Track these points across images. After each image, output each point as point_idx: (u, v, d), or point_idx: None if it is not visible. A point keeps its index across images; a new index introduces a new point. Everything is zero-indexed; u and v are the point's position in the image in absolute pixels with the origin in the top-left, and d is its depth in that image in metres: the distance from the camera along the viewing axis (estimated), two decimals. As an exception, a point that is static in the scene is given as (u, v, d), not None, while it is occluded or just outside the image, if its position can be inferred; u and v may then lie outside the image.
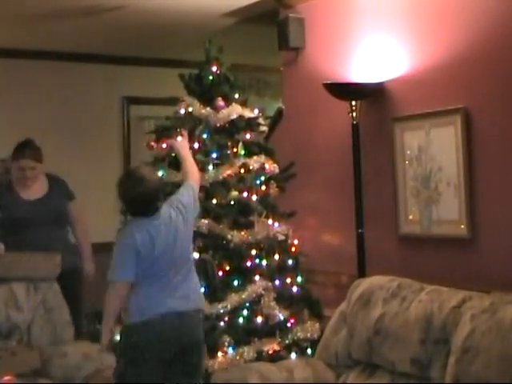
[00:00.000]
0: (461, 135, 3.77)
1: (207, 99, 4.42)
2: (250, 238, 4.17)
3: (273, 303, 4.14)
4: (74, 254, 4.92)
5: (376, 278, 3.85)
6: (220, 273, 4.12)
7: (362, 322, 3.65)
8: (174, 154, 4.33)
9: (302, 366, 3.74)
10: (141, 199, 3.49)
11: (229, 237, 4.14)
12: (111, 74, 6.82)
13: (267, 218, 4.27)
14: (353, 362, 3.73)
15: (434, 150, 3.94)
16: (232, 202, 4.21)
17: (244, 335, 4.08)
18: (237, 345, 4.03)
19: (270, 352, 4.07)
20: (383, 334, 3.51)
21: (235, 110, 4.37)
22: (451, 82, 3.87)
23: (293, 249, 4.40)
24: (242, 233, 4.16)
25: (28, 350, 4.23)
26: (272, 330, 4.14)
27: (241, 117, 4.38)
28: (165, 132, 4.44)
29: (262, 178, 4.35)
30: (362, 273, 4.24)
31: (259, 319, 4.11)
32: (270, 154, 4.46)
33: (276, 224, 4.29)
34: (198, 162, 4.08)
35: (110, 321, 3.47)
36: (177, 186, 4.24)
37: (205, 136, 4.32)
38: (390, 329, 3.48)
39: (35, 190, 4.88)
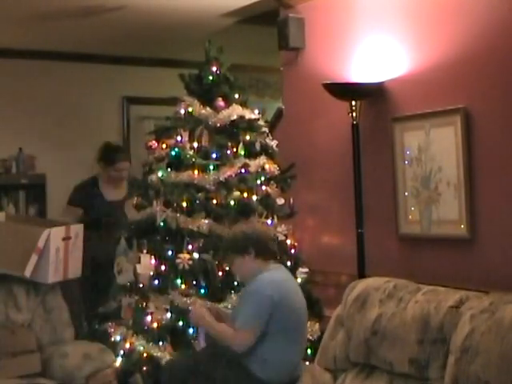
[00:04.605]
0: (461, 135, 3.77)
1: (207, 99, 4.42)
2: (250, 238, 4.16)
3: (273, 303, 4.13)
4: None
5: (371, 280, 3.85)
6: (220, 273, 4.13)
7: (359, 324, 3.65)
8: (173, 154, 4.35)
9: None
10: None
11: (229, 237, 4.14)
12: (111, 74, 6.82)
13: (267, 218, 4.27)
14: (351, 365, 3.73)
15: (433, 150, 3.94)
16: (232, 203, 4.21)
17: (244, 335, 4.08)
18: (237, 345, 4.03)
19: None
20: (380, 334, 3.51)
21: (235, 111, 4.38)
22: (451, 81, 3.86)
23: (292, 249, 4.41)
24: (243, 233, 4.16)
25: (28, 353, 4.23)
26: (272, 330, 4.13)
27: (241, 117, 4.38)
28: (165, 132, 4.45)
29: (262, 179, 4.35)
30: (361, 273, 4.23)
31: (259, 319, 4.11)
32: (270, 154, 4.47)
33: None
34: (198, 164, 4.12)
35: None
36: (176, 186, 4.26)
37: (205, 136, 4.33)
38: (388, 329, 3.48)
39: (116, 192, 5.31)
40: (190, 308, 3.93)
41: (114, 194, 5.31)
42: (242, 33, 5.92)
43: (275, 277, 3.61)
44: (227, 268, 4.10)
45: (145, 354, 4.17)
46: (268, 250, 3.63)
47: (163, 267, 4.24)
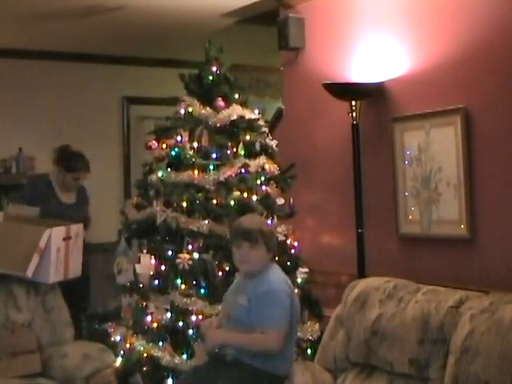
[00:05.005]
0: (461, 135, 3.77)
1: (207, 99, 4.42)
2: (250, 238, 4.16)
3: (273, 303, 4.13)
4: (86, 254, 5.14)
5: (371, 280, 3.85)
6: (220, 273, 4.13)
7: (358, 324, 3.65)
8: (173, 154, 4.35)
9: (301, 370, 3.73)
10: None
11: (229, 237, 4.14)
12: (111, 73, 6.82)
13: (267, 218, 4.27)
14: (351, 365, 3.73)
15: (433, 150, 3.94)
16: (232, 203, 4.21)
17: (244, 335, 4.07)
18: (237, 345, 4.02)
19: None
20: (380, 335, 3.51)
21: (235, 111, 4.38)
22: (451, 81, 3.86)
23: (292, 249, 4.40)
24: (243, 233, 4.16)
25: (29, 353, 4.23)
26: (272, 330, 4.13)
27: (241, 117, 4.38)
28: (165, 132, 4.44)
29: (262, 179, 4.35)
30: (361, 273, 4.23)
31: (259, 319, 4.10)
32: (270, 154, 4.47)
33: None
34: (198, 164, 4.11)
35: None
36: (176, 186, 4.26)
37: (205, 136, 4.33)
38: (388, 330, 3.48)
39: (70, 195, 5.34)
40: (204, 331, 3.64)
41: (67, 197, 5.31)
42: (241, 33, 5.93)
43: (281, 274, 3.59)
44: (227, 268, 4.10)
45: (145, 354, 4.17)
46: (275, 249, 3.60)
47: (163, 267, 4.24)
